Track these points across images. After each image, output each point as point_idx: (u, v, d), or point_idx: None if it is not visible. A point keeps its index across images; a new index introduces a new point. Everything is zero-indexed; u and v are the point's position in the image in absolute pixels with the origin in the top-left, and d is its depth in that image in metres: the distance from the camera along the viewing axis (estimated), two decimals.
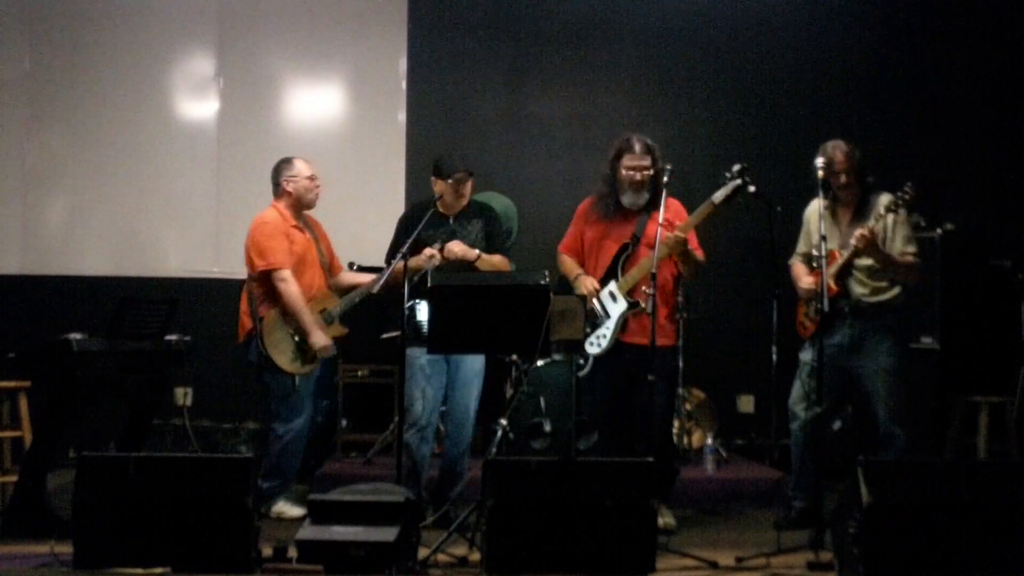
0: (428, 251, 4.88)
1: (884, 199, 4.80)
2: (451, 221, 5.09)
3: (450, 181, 5.00)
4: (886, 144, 6.47)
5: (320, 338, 5.13)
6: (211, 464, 4.14)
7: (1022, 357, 5.64)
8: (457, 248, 4.95)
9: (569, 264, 5.12)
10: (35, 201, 7.07)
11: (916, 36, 7.01)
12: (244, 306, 5.27)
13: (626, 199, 4.93)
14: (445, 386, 5.03)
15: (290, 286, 5.12)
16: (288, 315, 5.15)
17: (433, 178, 5.13)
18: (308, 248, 5.33)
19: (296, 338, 5.17)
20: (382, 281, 4.80)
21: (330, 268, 5.44)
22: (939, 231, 6.05)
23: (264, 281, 5.17)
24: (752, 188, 4.66)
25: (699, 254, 4.91)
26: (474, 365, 5.04)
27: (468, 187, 5.10)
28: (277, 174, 5.37)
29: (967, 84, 6.96)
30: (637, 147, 4.91)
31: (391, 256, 5.00)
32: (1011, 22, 6.94)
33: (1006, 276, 5.83)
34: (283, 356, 5.14)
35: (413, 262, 4.82)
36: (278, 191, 5.36)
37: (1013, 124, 6.90)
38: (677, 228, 4.74)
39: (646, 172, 4.88)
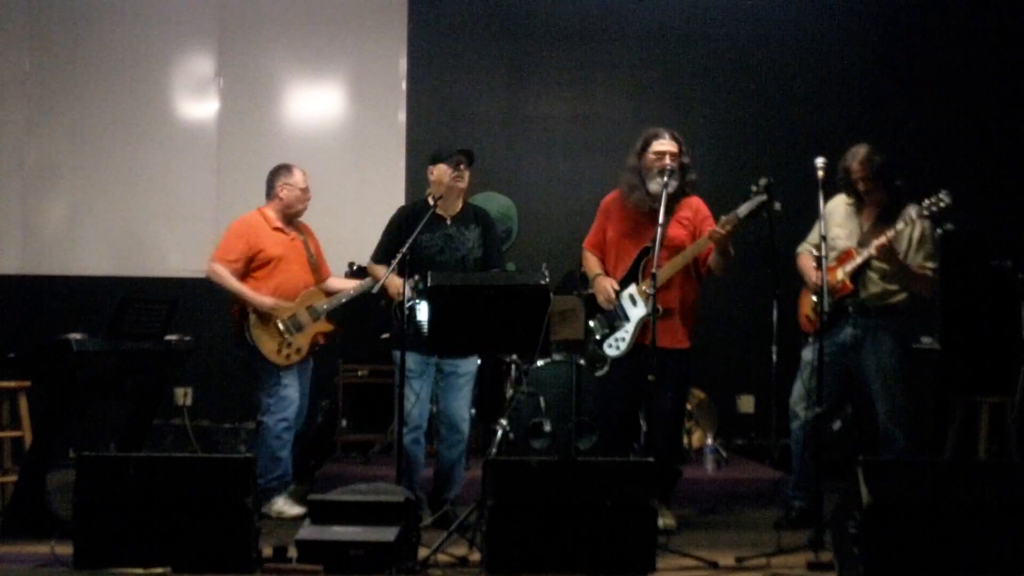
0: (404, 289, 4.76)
1: (913, 210, 4.78)
2: (448, 223, 5.00)
3: (450, 159, 4.91)
4: (886, 144, 6.40)
5: (265, 301, 5.20)
6: (211, 464, 4.13)
7: (1022, 357, 5.63)
8: None
9: (591, 262, 5.11)
10: (35, 201, 7.08)
11: (916, 36, 7.02)
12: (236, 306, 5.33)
13: (653, 186, 4.87)
14: (433, 385, 5.00)
15: (223, 275, 5.22)
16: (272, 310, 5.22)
17: (430, 167, 5.01)
18: (292, 247, 5.37)
19: (283, 331, 5.22)
20: (379, 284, 4.79)
21: (317, 272, 5.47)
22: (939, 231, 6.04)
23: (236, 271, 5.25)
24: (778, 206, 4.64)
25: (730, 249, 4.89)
26: (465, 368, 5.00)
27: (466, 176, 4.99)
28: (274, 178, 5.40)
29: (967, 84, 6.96)
30: (666, 135, 4.93)
31: (384, 257, 4.92)
32: (1011, 22, 6.94)
33: (1006, 276, 5.82)
34: (268, 345, 5.20)
35: (391, 284, 4.77)
36: (271, 194, 5.39)
37: (1013, 124, 6.90)
38: (719, 224, 4.68)
39: (674, 157, 4.87)
